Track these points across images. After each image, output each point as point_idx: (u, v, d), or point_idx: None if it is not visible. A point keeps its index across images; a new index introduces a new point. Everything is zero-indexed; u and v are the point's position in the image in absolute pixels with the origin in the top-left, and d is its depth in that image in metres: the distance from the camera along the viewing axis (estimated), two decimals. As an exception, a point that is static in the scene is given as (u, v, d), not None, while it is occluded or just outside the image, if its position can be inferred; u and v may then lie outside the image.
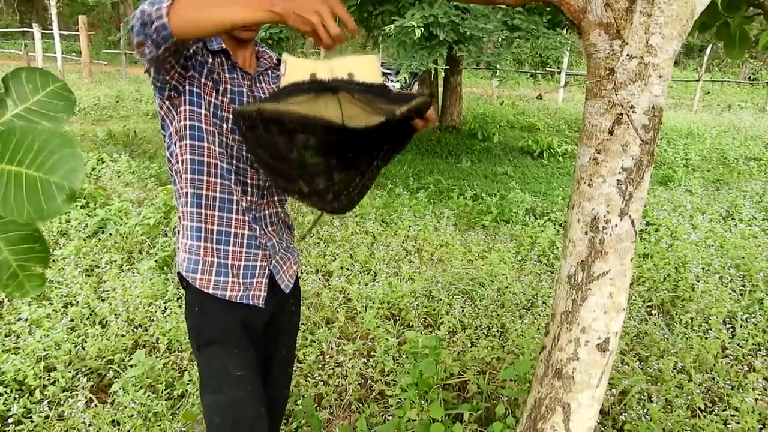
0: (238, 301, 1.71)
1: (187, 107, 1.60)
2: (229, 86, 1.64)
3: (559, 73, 17.45)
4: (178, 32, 1.29)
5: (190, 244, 1.68)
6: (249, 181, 1.69)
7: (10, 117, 0.75)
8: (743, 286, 4.27)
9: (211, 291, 1.69)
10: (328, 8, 1.30)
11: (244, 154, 1.67)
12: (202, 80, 1.59)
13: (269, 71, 1.79)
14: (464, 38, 6.59)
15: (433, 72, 7.26)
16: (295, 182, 1.42)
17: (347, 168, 1.39)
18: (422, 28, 6.00)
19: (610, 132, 1.32)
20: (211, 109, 1.61)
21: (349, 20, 1.33)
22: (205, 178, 1.64)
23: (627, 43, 1.26)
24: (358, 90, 1.34)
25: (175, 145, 1.66)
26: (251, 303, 1.73)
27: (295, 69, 1.41)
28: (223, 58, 1.64)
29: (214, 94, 1.60)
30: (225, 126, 1.63)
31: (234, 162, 1.66)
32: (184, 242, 1.71)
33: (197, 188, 1.65)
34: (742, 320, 3.73)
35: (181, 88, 1.58)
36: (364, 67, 1.44)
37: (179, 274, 1.75)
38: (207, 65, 1.59)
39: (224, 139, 1.63)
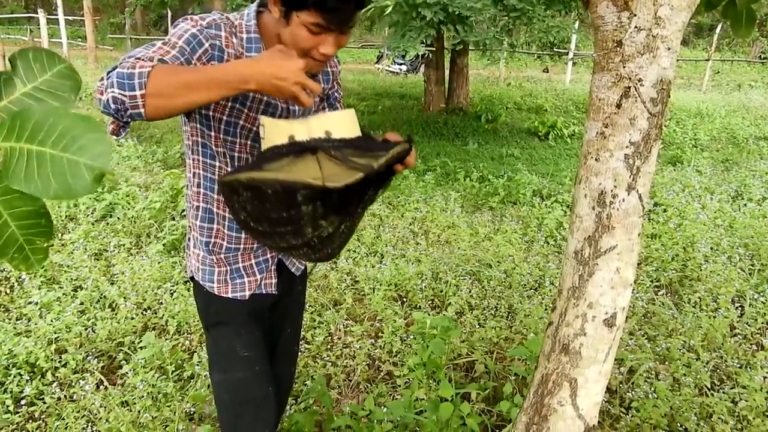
0: (254, 292, 1.73)
1: (198, 126, 1.58)
2: (263, 98, 1.56)
3: (567, 54, 17.29)
4: (153, 117, 1.27)
5: (203, 257, 1.70)
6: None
7: (19, 96, 0.76)
8: (752, 265, 4.25)
9: (230, 295, 1.71)
10: (303, 73, 1.32)
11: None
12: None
13: (320, 74, 1.71)
14: (453, 18, 6.47)
15: (429, 54, 7.15)
16: (282, 238, 1.44)
17: (332, 216, 1.42)
18: (402, 5, 5.86)
19: (618, 105, 1.30)
20: (222, 127, 1.56)
21: (316, 87, 1.34)
22: (215, 196, 1.64)
23: (635, 15, 1.24)
24: (336, 147, 1.36)
25: (189, 151, 1.65)
26: (264, 292, 1.74)
27: (273, 131, 1.43)
28: None
29: (226, 112, 1.54)
30: (238, 141, 1.58)
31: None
32: (195, 252, 1.71)
33: (208, 203, 1.65)
34: (751, 299, 3.71)
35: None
36: (342, 121, 1.47)
37: (193, 278, 1.76)
38: None
39: (235, 154, 1.60)
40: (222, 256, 1.68)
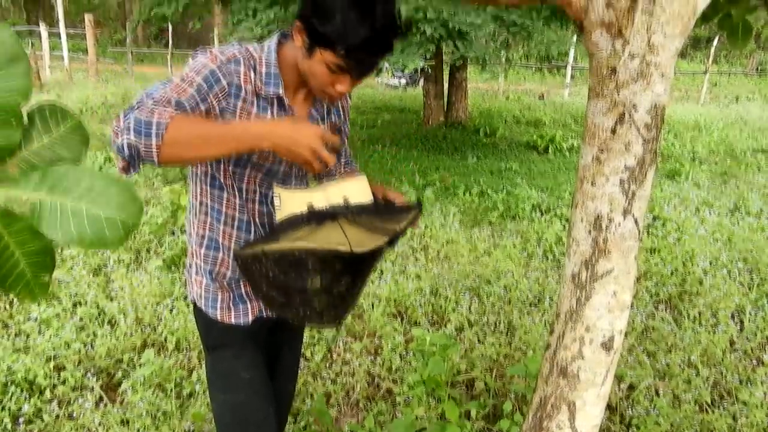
0: (257, 316, 1.73)
1: None
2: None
3: (565, 67, 17.38)
4: (165, 165, 1.32)
5: (206, 284, 1.70)
6: (267, 230, 1.67)
7: (36, 148, 0.85)
8: (751, 279, 4.26)
9: (233, 322, 1.71)
10: (320, 141, 1.36)
11: (265, 210, 1.65)
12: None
13: (332, 107, 1.71)
14: (453, 34, 6.53)
15: (427, 68, 7.21)
16: (297, 308, 1.51)
17: (349, 277, 1.50)
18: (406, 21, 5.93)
19: (613, 131, 1.32)
20: (232, 159, 1.56)
21: (330, 159, 1.38)
22: (221, 227, 1.64)
23: (629, 42, 1.26)
24: (357, 213, 1.44)
25: (196, 179, 1.65)
26: (266, 315, 1.75)
27: (290, 201, 1.48)
28: (275, 103, 1.55)
29: None
30: (247, 174, 1.59)
31: (256, 218, 1.65)
32: (198, 279, 1.71)
33: (214, 233, 1.66)
34: (750, 314, 3.72)
35: None
36: (356, 188, 1.52)
37: (195, 304, 1.76)
38: (237, 112, 1.50)
39: (244, 186, 1.61)
40: (225, 282, 1.69)
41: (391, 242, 1.47)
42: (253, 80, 1.49)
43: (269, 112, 1.54)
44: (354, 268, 1.49)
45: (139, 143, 1.26)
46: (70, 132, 0.86)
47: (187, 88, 1.39)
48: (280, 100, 1.54)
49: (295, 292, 1.46)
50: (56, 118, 0.85)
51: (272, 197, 1.59)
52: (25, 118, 0.84)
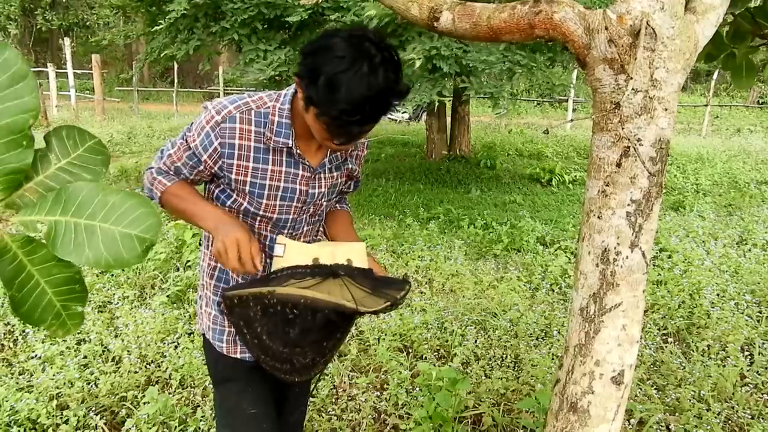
0: None
1: (215, 201, 1.65)
2: (282, 184, 1.60)
3: (567, 101, 17.54)
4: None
5: (214, 316, 1.73)
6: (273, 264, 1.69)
7: (54, 171, 0.82)
8: (760, 312, 4.22)
9: (239, 356, 1.73)
10: (236, 251, 1.48)
11: (275, 245, 1.68)
12: (233, 183, 1.59)
13: (347, 156, 1.74)
14: (467, 70, 6.64)
15: (437, 103, 7.33)
16: (291, 354, 1.58)
17: (339, 333, 1.60)
18: (423, 60, 6.06)
19: (618, 165, 1.33)
20: (241, 211, 1.62)
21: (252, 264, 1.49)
22: None
23: (632, 78, 1.27)
24: (361, 276, 1.52)
25: None
26: None
27: (296, 252, 1.55)
28: (284, 153, 1.58)
29: (247, 198, 1.60)
30: (257, 222, 1.64)
31: (266, 254, 1.68)
32: (207, 311, 1.75)
33: (223, 269, 1.69)
34: (760, 347, 3.67)
35: (210, 182, 1.69)
36: (359, 253, 1.61)
37: (204, 336, 1.79)
38: (234, 170, 1.56)
39: (254, 229, 1.65)
40: None
41: (390, 307, 1.50)
42: (254, 134, 1.53)
43: (279, 164, 1.57)
44: (346, 324, 1.57)
45: (150, 193, 1.63)
46: (89, 152, 0.84)
47: (187, 149, 1.57)
48: (290, 150, 1.56)
49: (286, 342, 1.52)
50: (74, 140, 0.83)
51: (274, 245, 1.62)
52: (43, 142, 0.82)
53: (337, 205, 1.90)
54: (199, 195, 1.63)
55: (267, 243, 1.66)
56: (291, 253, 1.53)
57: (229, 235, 1.46)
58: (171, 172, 1.61)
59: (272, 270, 1.55)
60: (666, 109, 1.29)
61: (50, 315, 0.81)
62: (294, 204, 1.63)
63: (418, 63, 5.98)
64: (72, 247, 0.75)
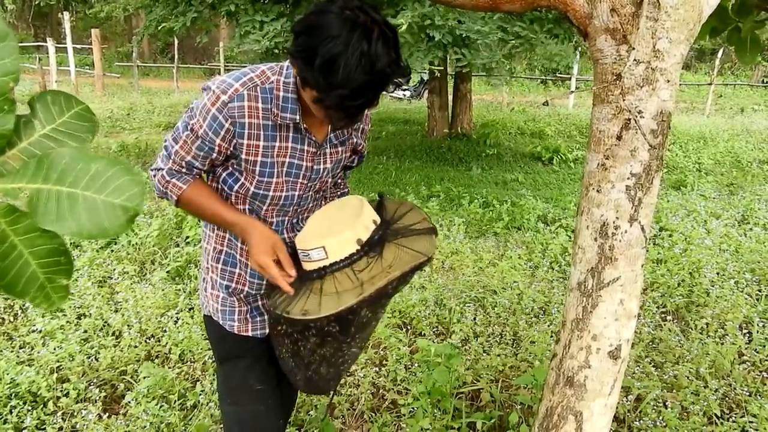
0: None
1: (221, 185, 1.61)
2: (287, 159, 1.55)
3: (570, 79, 17.40)
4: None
5: (223, 298, 1.71)
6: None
7: (38, 137, 0.78)
8: (759, 290, 4.22)
9: (250, 334, 1.72)
10: (269, 258, 1.52)
11: (284, 231, 1.67)
12: (243, 163, 1.54)
13: (352, 130, 1.70)
14: (461, 41, 6.55)
15: (436, 73, 7.22)
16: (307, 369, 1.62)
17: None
18: (413, 26, 5.94)
19: (618, 137, 1.31)
20: (248, 197, 1.59)
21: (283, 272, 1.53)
22: (239, 243, 1.65)
23: (634, 48, 1.25)
24: (393, 230, 1.55)
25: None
26: None
27: (338, 246, 1.50)
28: (291, 129, 1.53)
29: (255, 180, 1.57)
30: (264, 207, 1.61)
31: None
32: (215, 294, 1.72)
33: (232, 249, 1.68)
34: (758, 325, 3.68)
35: (218, 168, 1.63)
36: (367, 208, 1.58)
37: (210, 317, 1.76)
38: (244, 151, 1.52)
39: (261, 214, 1.63)
40: (242, 296, 1.70)
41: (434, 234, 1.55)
42: (260, 111, 1.46)
43: (286, 140, 1.52)
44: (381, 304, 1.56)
45: (162, 195, 1.58)
46: (76, 119, 0.80)
47: (195, 140, 1.49)
48: (296, 125, 1.51)
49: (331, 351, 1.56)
50: (60, 105, 0.79)
51: (296, 248, 1.57)
52: (27, 108, 0.78)
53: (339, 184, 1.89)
54: (216, 196, 1.58)
55: (273, 227, 1.65)
56: (333, 249, 1.48)
57: (257, 248, 1.51)
58: (183, 170, 1.53)
59: (319, 267, 1.51)
60: (668, 81, 1.27)
61: (34, 287, 0.77)
62: (300, 180, 1.60)
63: (404, 27, 5.83)
64: (54, 216, 0.72)
